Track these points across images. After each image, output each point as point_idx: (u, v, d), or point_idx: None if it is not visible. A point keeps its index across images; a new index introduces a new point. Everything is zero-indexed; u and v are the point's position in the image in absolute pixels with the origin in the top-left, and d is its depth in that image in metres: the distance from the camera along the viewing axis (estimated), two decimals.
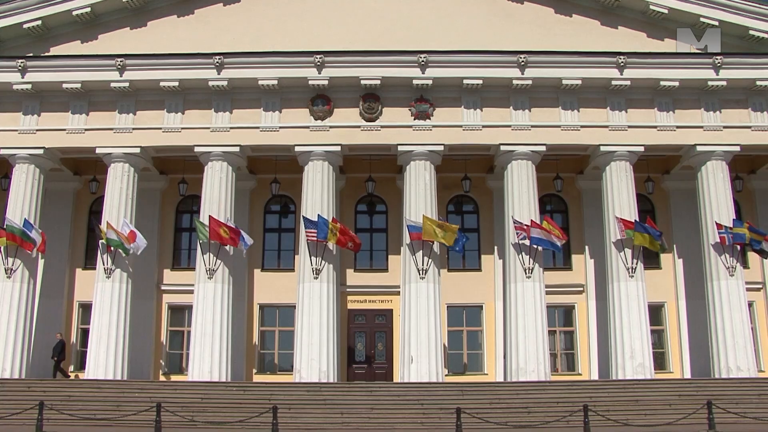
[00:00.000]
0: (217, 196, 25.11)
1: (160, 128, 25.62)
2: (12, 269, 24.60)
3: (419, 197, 24.97)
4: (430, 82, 25.14)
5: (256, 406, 20.32)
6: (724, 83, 25.24)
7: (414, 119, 25.46)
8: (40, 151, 25.44)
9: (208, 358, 23.74)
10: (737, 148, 25.54)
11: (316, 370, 23.58)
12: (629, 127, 25.58)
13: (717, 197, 25.17)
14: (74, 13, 25.84)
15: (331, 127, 25.48)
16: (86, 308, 26.44)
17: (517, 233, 24.32)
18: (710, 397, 20.08)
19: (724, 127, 25.61)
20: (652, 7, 25.88)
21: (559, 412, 20.10)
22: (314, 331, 23.89)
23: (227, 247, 24.73)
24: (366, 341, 27.74)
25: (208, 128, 25.55)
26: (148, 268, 27.25)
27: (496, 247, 28.03)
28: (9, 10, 25.64)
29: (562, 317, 28.27)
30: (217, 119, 25.62)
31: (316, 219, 24.30)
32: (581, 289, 28.02)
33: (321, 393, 22.12)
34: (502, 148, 25.38)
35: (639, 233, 24.27)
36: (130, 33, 26.39)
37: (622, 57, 25.00)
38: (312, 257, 24.42)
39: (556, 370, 27.34)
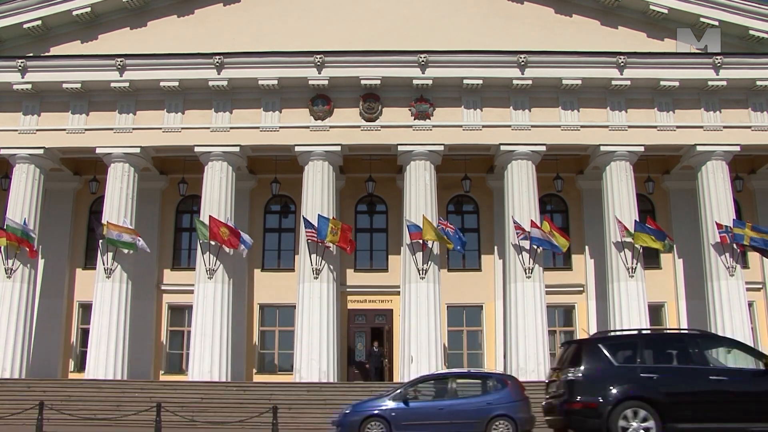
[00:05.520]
0: (217, 196, 25.10)
1: (160, 128, 25.63)
2: (12, 269, 24.60)
3: (419, 197, 24.96)
4: (430, 82, 25.13)
5: (256, 406, 20.32)
6: (724, 83, 25.22)
7: (414, 119, 25.45)
8: (40, 151, 25.44)
9: (208, 358, 23.74)
10: (737, 148, 25.52)
11: (316, 370, 23.57)
12: (629, 127, 25.57)
13: (717, 197, 25.14)
14: (74, 13, 25.84)
15: (331, 127, 25.47)
16: (86, 308, 26.42)
17: (517, 233, 24.32)
18: None
19: (724, 127, 25.58)
20: (652, 7, 25.87)
21: None
22: (314, 331, 23.88)
23: (227, 248, 24.73)
24: (366, 341, 27.73)
25: (208, 128, 25.54)
26: (148, 268, 27.23)
27: (496, 247, 28.01)
28: (9, 10, 25.65)
29: (562, 317, 28.26)
30: (217, 119, 25.62)
31: (316, 219, 24.30)
32: (581, 289, 28.01)
33: (321, 393, 22.14)
34: (502, 148, 25.37)
35: (639, 233, 24.26)
36: (130, 33, 26.39)
37: (622, 57, 24.99)
38: (312, 257, 24.41)
39: None
